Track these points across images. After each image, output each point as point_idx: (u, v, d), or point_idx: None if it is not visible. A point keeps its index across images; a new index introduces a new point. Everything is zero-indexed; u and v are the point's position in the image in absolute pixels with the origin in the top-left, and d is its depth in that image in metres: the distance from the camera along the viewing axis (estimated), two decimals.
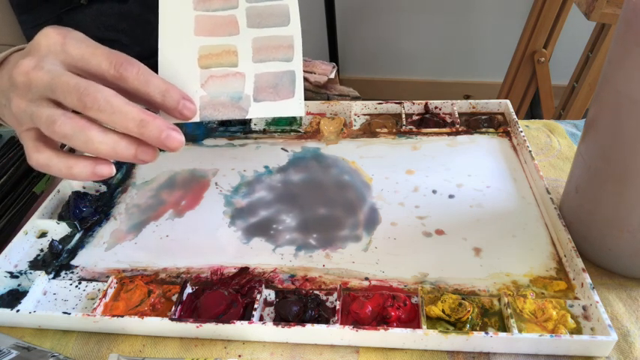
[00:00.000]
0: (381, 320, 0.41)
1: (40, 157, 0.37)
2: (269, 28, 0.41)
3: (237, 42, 0.41)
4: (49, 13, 0.65)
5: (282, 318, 0.42)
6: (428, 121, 0.63)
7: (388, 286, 0.44)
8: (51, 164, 0.36)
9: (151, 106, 0.37)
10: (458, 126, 0.62)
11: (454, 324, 0.40)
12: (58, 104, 0.36)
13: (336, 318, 0.40)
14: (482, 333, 0.38)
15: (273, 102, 0.41)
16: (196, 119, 0.40)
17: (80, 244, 0.50)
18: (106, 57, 0.36)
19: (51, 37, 0.36)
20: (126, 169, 0.60)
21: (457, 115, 0.63)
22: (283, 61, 0.41)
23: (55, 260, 0.49)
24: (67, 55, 0.36)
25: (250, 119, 0.65)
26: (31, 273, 0.46)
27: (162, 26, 0.40)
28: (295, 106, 0.41)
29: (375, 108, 0.66)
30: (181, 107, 0.37)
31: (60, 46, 0.36)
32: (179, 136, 0.36)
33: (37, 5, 0.63)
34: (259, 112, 0.40)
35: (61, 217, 0.53)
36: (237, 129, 0.64)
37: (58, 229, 0.52)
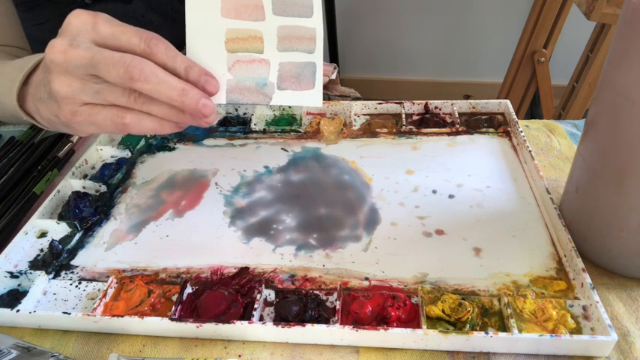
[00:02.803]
0: (381, 320, 0.41)
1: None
2: (293, 18, 0.42)
3: (262, 28, 0.42)
4: (52, 11, 0.65)
5: (282, 318, 0.42)
6: (428, 121, 0.63)
7: (388, 286, 0.44)
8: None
9: None
10: (458, 126, 0.62)
11: (454, 324, 0.40)
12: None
13: (336, 318, 0.40)
14: (483, 333, 0.38)
15: (294, 91, 0.42)
16: (222, 101, 0.42)
17: (80, 244, 0.50)
18: (135, 33, 0.38)
19: (82, 17, 0.38)
20: (126, 169, 0.60)
21: (457, 115, 0.63)
22: (305, 53, 0.42)
23: (55, 260, 0.49)
24: (97, 34, 0.38)
25: (250, 119, 0.65)
26: (31, 273, 0.46)
27: (189, 6, 0.41)
28: (315, 97, 0.43)
29: (375, 108, 0.66)
30: (204, 82, 0.39)
31: (91, 25, 0.38)
32: (212, 104, 0.39)
33: (41, 3, 0.63)
34: (282, 100, 0.42)
35: (61, 217, 0.53)
36: (237, 129, 0.64)
37: (58, 229, 0.52)
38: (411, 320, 0.41)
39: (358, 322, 0.41)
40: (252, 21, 0.42)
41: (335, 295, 0.43)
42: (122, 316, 0.41)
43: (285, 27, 0.42)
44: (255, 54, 0.42)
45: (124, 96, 0.38)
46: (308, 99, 0.43)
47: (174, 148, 0.63)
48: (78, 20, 0.38)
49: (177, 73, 0.39)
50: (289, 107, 0.66)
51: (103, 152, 0.62)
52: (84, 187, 0.56)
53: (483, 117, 0.63)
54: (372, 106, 0.65)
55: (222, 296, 0.43)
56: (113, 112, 0.39)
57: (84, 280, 0.47)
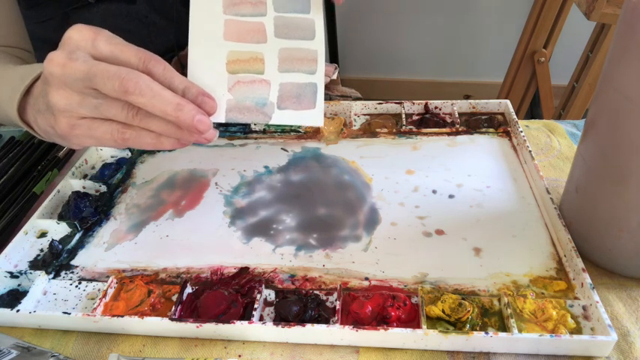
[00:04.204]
0: (381, 320, 0.41)
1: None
2: (295, 40, 0.43)
3: (264, 50, 0.43)
4: (55, 10, 0.65)
5: (282, 318, 0.42)
6: (428, 121, 0.63)
7: (388, 286, 0.44)
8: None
9: None
10: (458, 126, 0.62)
11: (454, 324, 0.40)
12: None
13: (336, 318, 0.40)
14: (483, 333, 0.38)
15: (295, 111, 0.43)
16: (221, 120, 0.42)
17: (80, 244, 0.50)
18: (135, 54, 0.38)
19: (83, 32, 0.38)
20: (126, 169, 0.60)
21: (457, 115, 0.63)
22: (307, 74, 0.43)
23: (55, 260, 0.49)
24: (96, 51, 0.38)
25: None
26: (31, 273, 0.46)
27: (192, 28, 0.42)
28: (315, 116, 0.43)
29: (375, 108, 0.66)
30: (200, 101, 0.39)
31: (91, 41, 0.38)
32: (208, 121, 0.39)
33: (44, 1, 0.63)
34: (282, 119, 0.43)
35: (61, 217, 0.53)
36: (237, 129, 0.64)
37: (58, 229, 0.52)
38: (411, 320, 0.41)
39: (358, 322, 0.41)
40: (254, 43, 0.42)
41: (335, 295, 0.43)
42: (122, 316, 0.41)
43: (287, 49, 0.43)
44: (255, 75, 0.42)
45: (122, 112, 0.38)
46: (308, 118, 0.43)
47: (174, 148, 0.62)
48: (79, 35, 0.38)
49: (173, 90, 0.38)
50: None
51: (103, 152, 0.62)
52: (84, 187, 0.56)
53: (483, 117, 0.63)
54: (372, 106, 0.65)
55: (222, 296, 0.43)
56: (113, 127, 0.39)
57: (84, 280, 0.47)
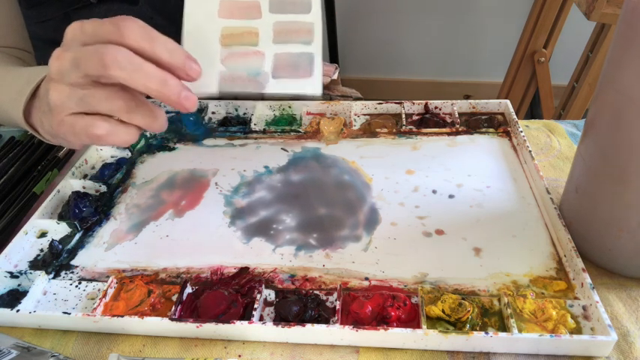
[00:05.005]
0: (381, 320, 0.41)
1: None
2: (290, 15, 0.42)
3: (258, 25, 0.42)
4: (56, 10, 0.65)
5: (282, 318, 0.42)
6: (428, 121, 0.63)
7: (388, 286, 0.44)
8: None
9: (158, 65, 0.37)
10: (458, 126, 0.62)
11: (454, 324, 0.40)
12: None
13: (336, 318, 0.40)
14: (482, 333, 0.38)
15: (290, 79, 0.42)
16: (214, 90, 0.41)
17: (80, 244, 0.50)
18: (111, 20, 0.37)
19: (73, 25, 0.38)
20: (126, 169, 0.60)
21: (457, 115, 0.63)
22: (302, 44, 0.42)
23: (55, 260, 0.49)
24: (83, 34, 0.38)
25: (250, 119, 0.65)
26: (31, 273, 0.46)
27: (187, 7, 0.42)
28: (313, 84, 0.42)
29: (375, 108, 0.66)
30: (188, 67, 0.38)
31: (79, 28, 0.38)
32: (194, 97, 0.37)
33: (45, 1, 0.64)
34: (277, 88, 0.42)
35: (61, 217, 0.53)
36: (237, 129, 0.64)
37: (58, 229, 0.52)
38: (411, 320, 0.41)
39: (358, 322, 0.41)
40: (249, 19, 0.42)
41: (335, 295, 0.43)
42: (122, 316, 0.41)
43: (282, 22, 0.42)
44: (249, 47, 0.42)
45: (107, 102, 0.37)
46: (305, 86, 0.42)
47: (174, 148, 0.63)
48: (70, 29, 0.38)
49: (157, 56, 0.36)
50: (289, 107, 0.66)
51: (103, 152, 0.62)
52: (84, 187, 0.56)
53: (483, 117, 0.63)
54: (372, 106, 0.65)
55: (222, 296, 0.43)
56: (87, 122, 0.38)
57: (84, 280, 0.47)
